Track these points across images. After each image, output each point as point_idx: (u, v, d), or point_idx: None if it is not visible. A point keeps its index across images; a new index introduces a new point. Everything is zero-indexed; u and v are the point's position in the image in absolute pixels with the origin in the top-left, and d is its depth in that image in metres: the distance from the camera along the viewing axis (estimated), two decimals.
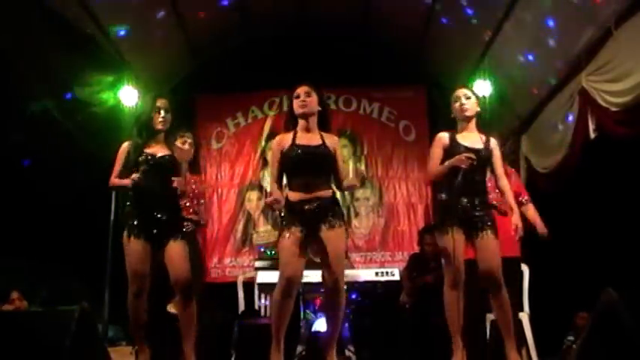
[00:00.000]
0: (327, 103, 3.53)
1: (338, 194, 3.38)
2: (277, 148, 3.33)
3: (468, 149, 3.37)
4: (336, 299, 3.17)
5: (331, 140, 3.34)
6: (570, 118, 5.00)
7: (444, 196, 3.37)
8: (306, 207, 3.18)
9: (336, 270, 3.14)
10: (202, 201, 4.32)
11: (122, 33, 5.56)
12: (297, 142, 3.28)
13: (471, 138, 3.44)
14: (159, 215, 3.31)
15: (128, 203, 3.38)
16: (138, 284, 3.25)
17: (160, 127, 3.47)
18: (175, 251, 3.29)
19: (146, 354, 3.34)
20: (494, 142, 3.49)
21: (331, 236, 3.16)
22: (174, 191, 3.39)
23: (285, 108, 5.86)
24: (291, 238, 3.15)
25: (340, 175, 3.33)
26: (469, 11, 5.81)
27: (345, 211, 7.00)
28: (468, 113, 3.46)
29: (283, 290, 3.12)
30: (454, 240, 3.24)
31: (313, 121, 3.34)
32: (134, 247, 3.26)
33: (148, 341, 3.36)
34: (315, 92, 3.35)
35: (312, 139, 3.30)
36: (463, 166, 3.26)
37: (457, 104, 3.48)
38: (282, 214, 3.27)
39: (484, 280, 3.24)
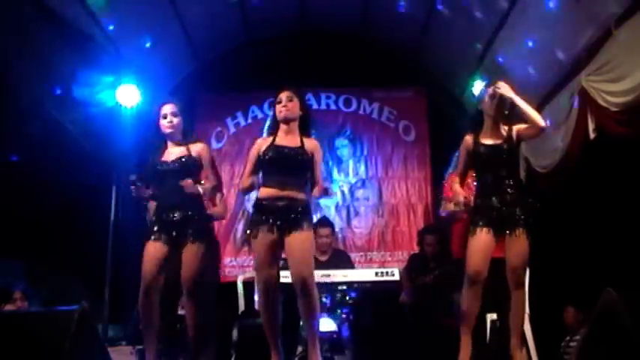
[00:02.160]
0: (309, 108, 3.58)
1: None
2: (256, 149, 3.37)
3: (487, 147, 3.42)
4: (307, 301, 3.15)
5: (311, 144, 3.36)
6: (570, 118, 5.00)
7: (478, 200, 3.39)
8: (276, 204, 3.19)
9: (303, 272, 3.13)
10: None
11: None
12: (276, 142, 3.32)
13: (494, 135, 3.46)
14: (174, 217, 3.37)
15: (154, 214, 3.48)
16: (147, 283, 3.30)
17: (168, 131, 3.51)
18: (189, 252, 3.35)
19: (154, 354, 3.34)
20: (515, 130, 3.46)
21: (298, 238, 3.16)
22: (192, 193, 3.42)
23: None
24: (261, 240, 3.17)
25: (317, 179, 3.33)
26: (469, 11, 5.80)
27: (345, 211, 7.11)
28: (494, 112, 3.46)
29: (262, 294, 3.18)
30: (480, 240, 3.29)
31: (294, 125, 3.38)
32: (149, 248, 3.34)
33: (157, 342, 3.37)
34: (297, 97, 3.39)
35: (292, 141, 3.33)
36: (459, 204, 3.41)
37: (494, 100, 3.44)
38: (252, 213, 3.30)
39: (508, 277, 3.30)
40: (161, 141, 3.56)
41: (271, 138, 3.37)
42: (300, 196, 3.26)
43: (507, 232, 3.30)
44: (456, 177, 3.63)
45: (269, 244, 3.17)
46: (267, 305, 3.19)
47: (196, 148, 3.54)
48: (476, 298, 3.31)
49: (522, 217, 3.31)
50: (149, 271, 3.30)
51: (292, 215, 3.18)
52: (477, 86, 5.74)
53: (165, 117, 3.52)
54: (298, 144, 3.32)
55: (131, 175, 3.44)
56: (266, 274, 3.17)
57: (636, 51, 4.05)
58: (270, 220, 3.18)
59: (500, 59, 5.86)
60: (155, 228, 3.38)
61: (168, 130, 3.52)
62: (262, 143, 3.37)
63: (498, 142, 3.43)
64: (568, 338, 5.29)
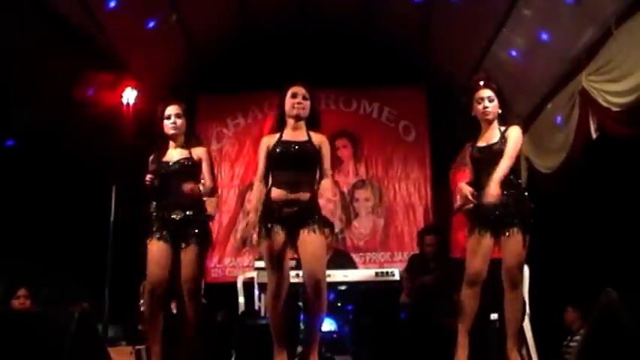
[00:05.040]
0: (318, 105, 3.51)
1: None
2: (264, 146, 3.32)
3: (479, 149, 3.43)
4: (317, 302, 3.15)
5: (318, 138, 3.32)
6: (571, 118, 5.00)
7: (475, 201, 3.36)
8: (286, 210, 3.17)
9: (316, 272, 3.12)
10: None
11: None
12: (283, 138, 3.29)
13: (488, 136, 3.44)
14: (173, 217, 3.38)
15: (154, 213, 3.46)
16: (153, 283, 3.32)
17: (171, 132, 3.51)
18: (190, 253, 3.36)
19: (157, 354, 3.35)
20: (510, 131, 3.39)
21: (310, 240, 3.14)
22: (192, 194, 3.43)
23: None
24: (272, 240, 3.15)
25: (323, 172, 3.29)
26: (470, 11, 5.80)
27: (345, 212, 7.10)
28: (490, 117, 3.44)
29: (272, 292, 3.19)
30: (479, 241, 3.30)
31: (302, 123, 3.33)
32: (152, 248, 3.35)
33: (161, 341, 3.38)
34: (310, 96, 3.34)
35: (299, 136, 3.30)
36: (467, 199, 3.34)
37: (480, 107, 3.44)
38: (261, 212, 3.23)
39: (503, 278, 3.29)
40: (163, 141, 3.55)
41: (277, 135, 3.31)
42: (311, 197, 3.22)
43: (502, 232, 3.28)
44: (463, 173, 3.65)
45: (280, 245, 3.16)
46: (277, 306, 3.19)
47: (197, 152, 3.55)
48: (475, 299, 3.32)
49: (518, 217, 3.28)
50: (155, 271, 3.31)
51: (304, 218, 3.16)
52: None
53: (169, 118, 3.51)
54: (305, 138, 3.29)
55: (152, 164, 3.46)
56: (277, 274, 3.17)
57: (636, 51, 4.05)
58: (281, 222, 3.16)
59: (500, 59, 5.85)
60: (155, 227, 3.38)
61: (172, 132, 3.51)
62: (269, 139, 3.32)
63: (491, 142, 3.41)
64: (569, 338, 5.29)
